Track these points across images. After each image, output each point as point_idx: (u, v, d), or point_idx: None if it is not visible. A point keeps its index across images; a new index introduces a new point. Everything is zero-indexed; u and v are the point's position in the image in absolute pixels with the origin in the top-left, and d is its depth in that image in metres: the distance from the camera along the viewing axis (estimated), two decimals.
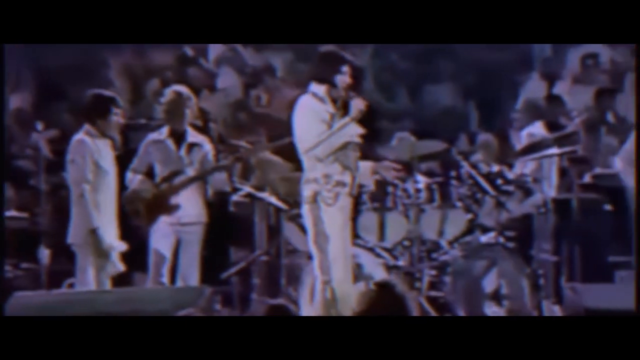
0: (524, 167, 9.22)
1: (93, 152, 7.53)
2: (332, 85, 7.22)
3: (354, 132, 7.18)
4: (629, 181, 8.04)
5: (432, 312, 8.35)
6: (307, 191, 7.19)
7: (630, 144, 8.13)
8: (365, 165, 7.42)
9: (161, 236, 7.98)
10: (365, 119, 7.21)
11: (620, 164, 8.23)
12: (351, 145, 7.23)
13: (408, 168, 8.42)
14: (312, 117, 7.17)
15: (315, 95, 7.24)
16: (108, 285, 7.51)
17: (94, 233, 7.42)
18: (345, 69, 7.23)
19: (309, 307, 8.14)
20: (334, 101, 7.25)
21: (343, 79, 7.23)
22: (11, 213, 9.66)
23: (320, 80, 7.24)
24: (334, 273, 7.07)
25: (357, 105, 7.15)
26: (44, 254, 9.19)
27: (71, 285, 8.48)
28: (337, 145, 7.14)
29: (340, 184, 7.17)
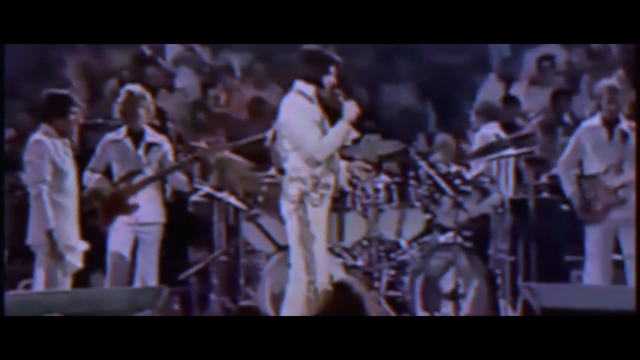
0: (476, 167, 9.26)
1: (51, 152, 7.46)
2: (320, 85, 7.22)
3: (349, 135, 7.20)
4: (566, 190, 8.12)
5: (391, 312, 8.38)
6: (292, 190, 7.16)
7: (564, 155, 8.20)
8: (342, 165, 7.45)
9: (119, 236, 7.94)
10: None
11: (558, 170, 8.31)
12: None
13: (376, 168, 8.46)
14: (306, 118, 7.16)
15: (303, 94, 7.22)
16: (67, 285, 7.46)
17: (49, 235, 7.36)
18: (332, 69, 7.24)
19: (270, 307, 8.13)
20: (320, 101, 7.26)
21: (329, 79, 7.23)
22: None
23: (308, 80, 7.22)
24: (317, 274, 7.07)
25: (351, 108, 7.16)
26: None
27: (27, 287, 8.41)
28: (335, 148, 7.16)
29: (325, 186, 7.18)
